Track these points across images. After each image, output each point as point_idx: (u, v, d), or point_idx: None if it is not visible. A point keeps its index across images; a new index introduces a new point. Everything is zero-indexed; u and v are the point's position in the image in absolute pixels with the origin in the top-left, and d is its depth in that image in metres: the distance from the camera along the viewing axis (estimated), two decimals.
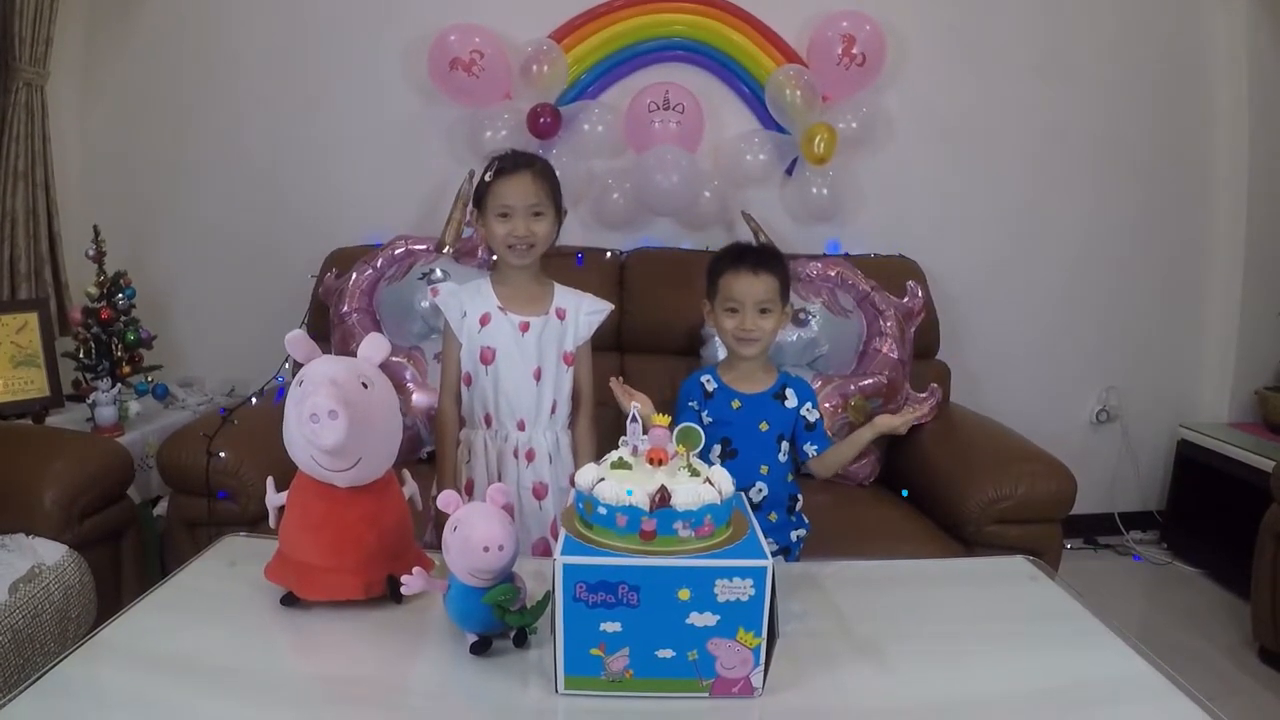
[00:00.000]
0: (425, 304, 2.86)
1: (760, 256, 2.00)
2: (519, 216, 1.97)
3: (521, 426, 2.07)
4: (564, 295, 2.11)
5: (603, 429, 2.15)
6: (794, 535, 2.06)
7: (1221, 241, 3.75)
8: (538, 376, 2.05)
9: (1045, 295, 3.70)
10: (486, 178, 2.01)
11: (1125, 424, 3.83)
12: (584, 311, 2.11)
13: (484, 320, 2.03)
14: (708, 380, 2.03)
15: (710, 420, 1.99)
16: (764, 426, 2.00)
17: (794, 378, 2.08)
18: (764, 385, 2.03)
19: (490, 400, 2.05)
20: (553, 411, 2.09)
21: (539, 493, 2.08)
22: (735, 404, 2.00)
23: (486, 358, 2.03)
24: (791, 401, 2.02)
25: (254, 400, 2.78)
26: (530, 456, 2.08)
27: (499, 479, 2.03)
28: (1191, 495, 3.72)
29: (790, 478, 2.05)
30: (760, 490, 1.98)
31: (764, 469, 1.99)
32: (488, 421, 2.07)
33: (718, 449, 1.97)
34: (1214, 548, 3.57)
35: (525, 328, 2.03)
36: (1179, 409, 3.83)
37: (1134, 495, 3.92)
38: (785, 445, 2.02)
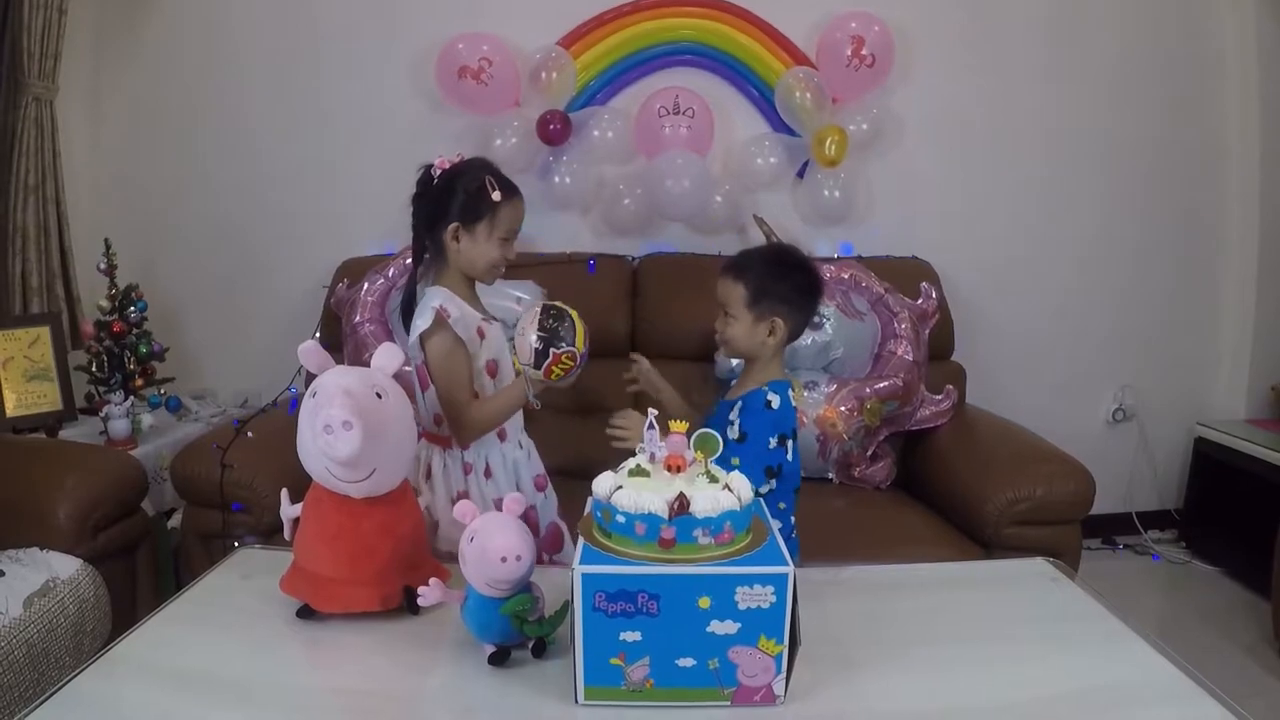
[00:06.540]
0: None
1: (730, 261, 1.93)
2: (513, 241, 1.96)
3: (523, 429, 2.09)
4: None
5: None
6: None
7: (1235, 237, 3.73)
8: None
9: (1059, 294, 3.68)
10: (495, 196, 1.88)
11: (1141, 423, 3.81)
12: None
13: (481, 333, 1.95)
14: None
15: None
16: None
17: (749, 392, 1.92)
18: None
19: None
20: None
21: (540, 485, 2.09)
22: None
23: (492, 370, 1.98)
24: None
25: (266, 411, 2.76)
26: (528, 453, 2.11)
27: (517, 489, 2.00)
28: (1209, 493, 3.70)
29: None
30: None
31: None
32: (502, 436, 2.03)
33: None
34: (1233, 545, 3.55)
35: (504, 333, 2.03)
36: (1195, 407, 3.81)
37: (1151, 494, 3.90)
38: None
